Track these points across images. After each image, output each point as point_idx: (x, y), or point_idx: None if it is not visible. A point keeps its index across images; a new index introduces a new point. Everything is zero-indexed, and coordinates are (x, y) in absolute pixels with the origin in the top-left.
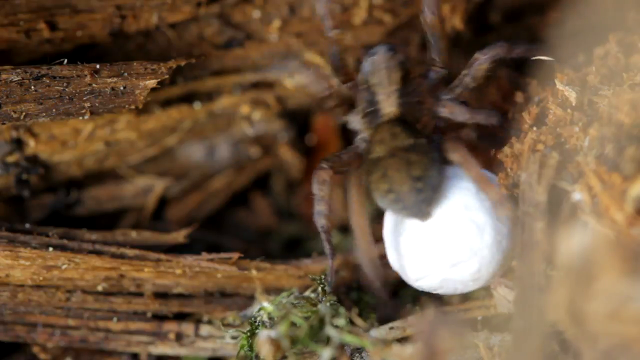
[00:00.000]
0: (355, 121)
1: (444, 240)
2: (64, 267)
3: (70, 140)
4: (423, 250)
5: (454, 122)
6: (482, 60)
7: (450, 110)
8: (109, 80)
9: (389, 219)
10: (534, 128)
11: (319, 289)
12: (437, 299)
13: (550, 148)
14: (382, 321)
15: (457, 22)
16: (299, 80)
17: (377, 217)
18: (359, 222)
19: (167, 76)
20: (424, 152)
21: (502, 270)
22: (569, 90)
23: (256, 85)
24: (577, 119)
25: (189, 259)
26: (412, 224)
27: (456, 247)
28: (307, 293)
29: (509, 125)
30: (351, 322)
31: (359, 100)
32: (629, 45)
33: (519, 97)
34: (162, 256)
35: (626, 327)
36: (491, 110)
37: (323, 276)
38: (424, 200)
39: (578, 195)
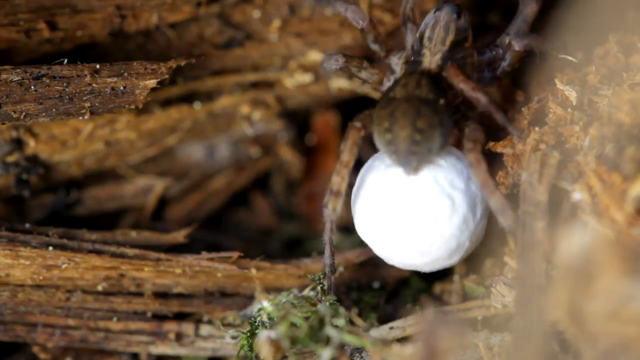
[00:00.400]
0: (395, 62)
1: (414, 203)
2: (64, 266)
3: (70, 140)
4: (390, 206)
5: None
6: (517, 47)
7: (451, 74)
8: (109, 80)
9: (367, 175)
10: (536, 128)
11: (318, 288)
12: (437, 299)
13: (551, 147)
14: (382, 321)
15: None
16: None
17: None
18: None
19: (167, 76)
20: (438, 112)
21: (450, 259)
22: (569, 89)
23: (256, 85)
24: (577, 118)
25: (189, 259)
26: (389, 181)
27: (422, 214)
28: (306, 292)
29: (504, 120)
30: (351, 322)
31: (408, 46)
32: (629, 45)
33: (519, 96)
34: (162, 256)
35: (626, 327)
36: (491, 98)
37: (322, 275)
38: (415, 153)
39: (578, 195)
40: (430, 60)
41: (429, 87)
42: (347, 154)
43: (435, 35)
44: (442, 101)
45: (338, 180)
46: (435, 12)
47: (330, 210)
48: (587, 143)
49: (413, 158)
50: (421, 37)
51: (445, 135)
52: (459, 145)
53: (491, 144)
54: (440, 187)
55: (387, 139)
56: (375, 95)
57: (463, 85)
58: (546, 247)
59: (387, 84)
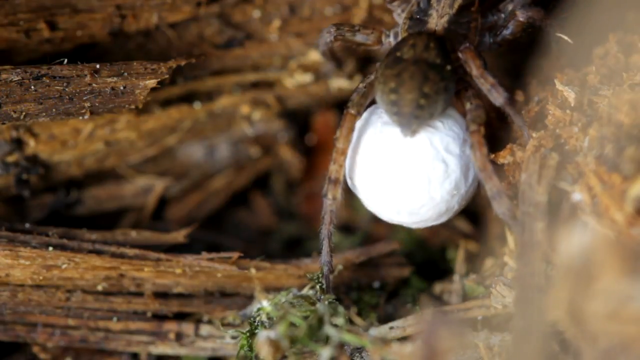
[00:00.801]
0: (398, 15)
1: (408, 164)
2: (63, 266)
3: (70, 140)
4: (384, 164)
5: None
6: (521, 17)
7: (468, 57)
8: (109, 80)
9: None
10: (534, 134)
11: (317, 287)
12: (437, 299)
13: (549, 149)
14: (382, 321)
15: None
16: None
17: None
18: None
19: (167, 76)
20: (444, 79)
21: (437, 220)
22: (569, 90)
23: (256, 85)
24: (576, 119)
25: (189, 259)
26: (385, 140)
27: (415, 176)
28: (305, 291)
29: (522, 123)
30: (350, 321)
31: (414, 2)
32: (629, 44)
33: (519, 95)
34: (162, 256)
35: (626, 327)
36: (510, 97)
37: (320, 274)
38: (418, 117)
39: (578, 195)
40: (437, 22)
41: (437, 51)
42: (343, 141)
43: None
44: (448, 67)
45: (336, 168)
46: None
47: (330, 199)
48: (586, 144)
49: (414, 121)
50: None
51: (448, 101)
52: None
53: (492, 155)
54: (436, 150)
55: (391, 99)
56: None
57: (482, 80)
58: (546, 247)
59: (388, 39)
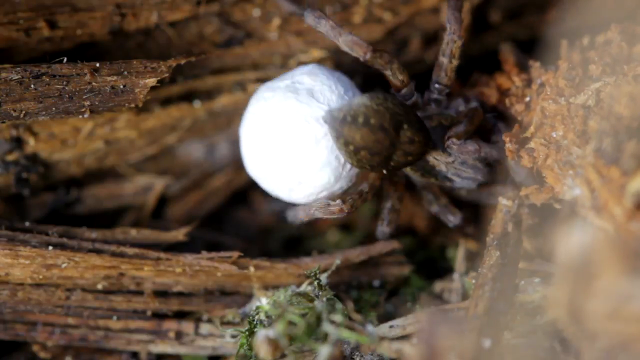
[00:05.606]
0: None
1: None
2: (63, 265)
3: (70, 139)
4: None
5: None
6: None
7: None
8: (109, 78)
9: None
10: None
11: (315, 283)
12: (437, 298)
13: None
14: (383, 320)
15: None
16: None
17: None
18: None
19: (167, 74)
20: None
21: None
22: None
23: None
24: (574, 111)
25: (189, 258)
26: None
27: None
28: (303, 287)
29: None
30: (350, 318)
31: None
32: (632, 34)
33: (517, 80)
34: (162, 255)
35: (626, 326)
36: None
37: (318, 270)
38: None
39: (577, 190)
40: None
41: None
42: None
43: None
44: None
45: None
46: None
47: None
48: (585, 136)
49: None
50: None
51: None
52: None
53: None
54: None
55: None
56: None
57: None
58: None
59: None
